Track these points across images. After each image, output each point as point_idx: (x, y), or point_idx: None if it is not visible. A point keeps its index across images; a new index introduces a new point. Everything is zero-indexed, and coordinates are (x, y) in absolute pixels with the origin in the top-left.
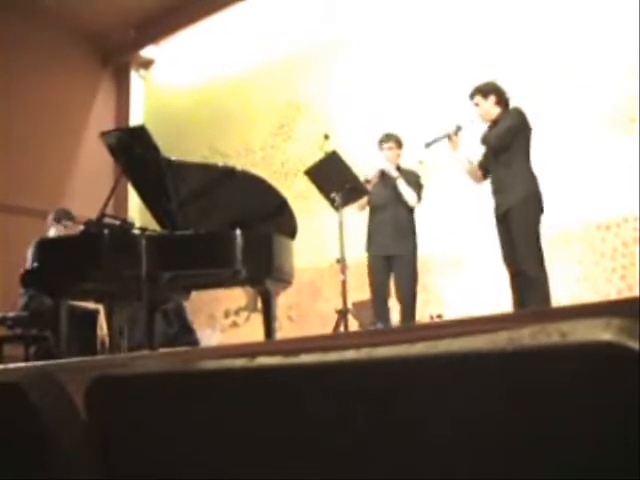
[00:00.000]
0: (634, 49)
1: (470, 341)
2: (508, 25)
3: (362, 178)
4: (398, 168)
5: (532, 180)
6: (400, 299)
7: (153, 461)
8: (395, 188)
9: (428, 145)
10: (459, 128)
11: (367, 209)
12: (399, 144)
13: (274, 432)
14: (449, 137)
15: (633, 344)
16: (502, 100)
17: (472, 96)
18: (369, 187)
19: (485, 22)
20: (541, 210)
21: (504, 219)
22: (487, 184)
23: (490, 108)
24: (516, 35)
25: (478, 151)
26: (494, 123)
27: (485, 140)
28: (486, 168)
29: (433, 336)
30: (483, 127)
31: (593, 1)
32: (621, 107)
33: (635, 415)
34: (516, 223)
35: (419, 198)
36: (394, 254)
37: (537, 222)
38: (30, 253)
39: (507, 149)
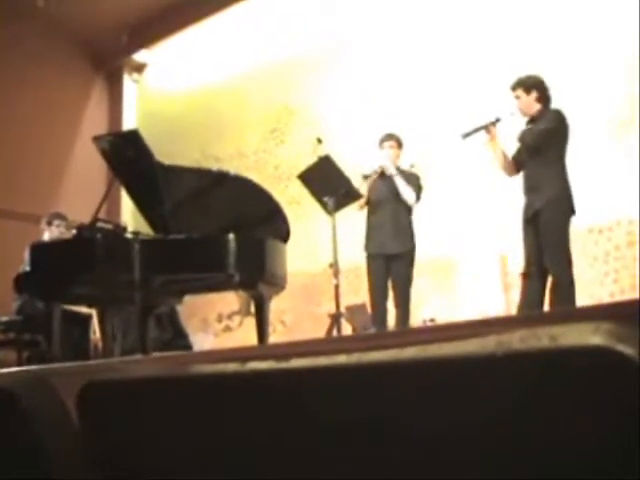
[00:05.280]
0: (634, 49)
1: (460, 345)
2: (506, 26)
3: (361, 175)
4: (397, 169)
5: (564, 182)
6: (396, 301)
7: (145, 465)
8: (393, 185)
9: (466, 136)
10: (498, 119)
11: (366, 208)
12: (399, 144)
13: (266, 436)
14: (487, 128)
15: (622, 348)
16: (544, 97)
17: (514, 88)
18: (367, 183)
19: (482, 24)
20: (572, 212)
21: (533, 220)
22: (486, 186)
23: (531, 103)
24: (515, 36)
25: (513, 145)
26: (533, 120)
27: (522, 138)
28: (520, 164)
29: (425, 340)
30: (521, 121)
31: (593, 0)
32: (615, 112)
33: (624, 417)
34: (545, 225)
35: (418, 198)
36: (393, 252)
37: (567, 224)
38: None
39: (541, 151)
